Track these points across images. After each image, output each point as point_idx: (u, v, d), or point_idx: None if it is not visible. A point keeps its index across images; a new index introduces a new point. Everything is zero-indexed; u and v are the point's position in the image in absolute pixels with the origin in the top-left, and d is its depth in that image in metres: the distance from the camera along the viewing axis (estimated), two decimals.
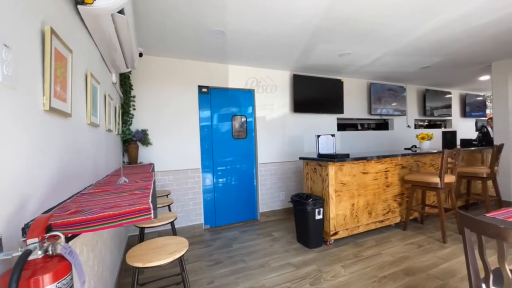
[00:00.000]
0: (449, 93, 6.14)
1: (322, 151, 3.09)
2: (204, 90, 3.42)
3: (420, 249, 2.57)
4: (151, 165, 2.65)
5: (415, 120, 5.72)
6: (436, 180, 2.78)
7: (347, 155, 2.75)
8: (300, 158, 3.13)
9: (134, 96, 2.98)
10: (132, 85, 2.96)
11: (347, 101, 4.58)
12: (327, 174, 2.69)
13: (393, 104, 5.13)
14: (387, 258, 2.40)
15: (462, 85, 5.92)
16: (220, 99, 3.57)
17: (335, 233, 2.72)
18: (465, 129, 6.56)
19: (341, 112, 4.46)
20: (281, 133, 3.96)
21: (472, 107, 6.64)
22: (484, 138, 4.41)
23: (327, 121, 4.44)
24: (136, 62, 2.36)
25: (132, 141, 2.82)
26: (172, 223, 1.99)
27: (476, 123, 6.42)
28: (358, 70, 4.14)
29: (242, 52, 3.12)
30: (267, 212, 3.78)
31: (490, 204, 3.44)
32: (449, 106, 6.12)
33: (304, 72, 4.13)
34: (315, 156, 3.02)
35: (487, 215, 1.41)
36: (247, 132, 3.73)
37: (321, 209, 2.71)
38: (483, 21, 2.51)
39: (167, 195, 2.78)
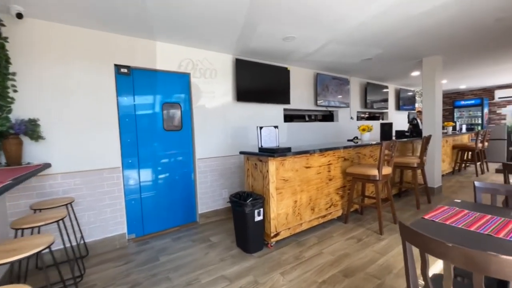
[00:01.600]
0: (386, 87, 6.55)
1: (265, 144, 2.81)
2: (124, 70, 2.77)
3: (359, 244, 2.52)
4: (40, 166, 1.98)
5: (357, 112, 5.94)
6: (375, 172, 2.76)
7: (288, 149, 2.51)
8: (241, 152, 2.80)
9: (14, 74, 2.19)
10: (9, 58, 2.16)
11: (294, 91, 4.41)
12: (267, 171, 2.41)
13: (338, 96, 5.18)
14: (328, 258, 2.27)
15: (397, 80, 6.36)
16: (147, 83, 2.96)
17: (277, 234, 2.49)
18: (399, 121, 7.16)
19: (288, 102, 4.27)
20: (223, 124, 3.55)
21: (404, 101, 7.26)
22: (415, 130, 4.76)
23: (274, 111, 4.20)
24: None
25: (10, 134, 2.07)
26: (49, 249, 1.43)
27: (408, 115, 7.04)
28: (304, 58, 3.96)
29: (173, 27, 2.58)
30: (208, 213, 3.39)
31: (419, 191, 3.68)
32: (386, 100, 6.54)
33: (248, 57, 3.76)
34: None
35: (426, 217, 1.27)
36: (183, 123, 3.22)
37: (262, 210, 2.43)
38: (419, 11, 2.48)
39: (67, 204, 2.14)
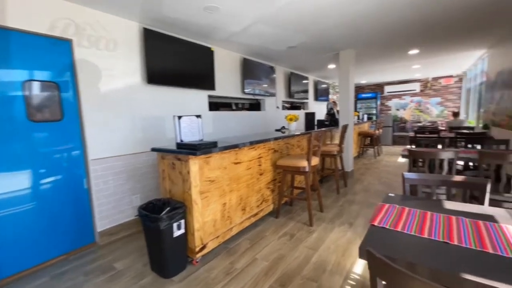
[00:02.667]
0: (307, 78, 6.90)
1: (185, 138, 2.28)
2: None
3: (292, 241, 2.39)
4: None
5: (283, 101, 6.01)
6: (304, 164, 2.67)
7: (214, 144, 2.07)
8: (153, 149, 2.18)
9: None
10: None
11: (220, 76, 3.94)
12: (188, 172, 1.92)
13: (265, 85, 5.03)
14: (262, 265, 2.01)
15: (316, 72, 6.76)
16: None
17: (203, 247, 2.07)
18: (317, 110, 7.75)
19: (213, 88, 3.77)
20: (129, 113, 2.77)
21: (321, 92, 7.89)
22: (332, 119, 5.12)
23: (197, 98, 3.63)
24: None
25: None
26: None
27: (327, 105, 7.59)
28: (229, 38, 3.52)
29: None
30: (112, 229, 2.62)
31: (339, 175, 3.95)
32: (306, 91, 6.90)
33: (163, 28, 3.04)
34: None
35: (374, 223, 1.10)
36: (64, 111, 2.29)
37: (183, 221, 1.94)
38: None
39: None
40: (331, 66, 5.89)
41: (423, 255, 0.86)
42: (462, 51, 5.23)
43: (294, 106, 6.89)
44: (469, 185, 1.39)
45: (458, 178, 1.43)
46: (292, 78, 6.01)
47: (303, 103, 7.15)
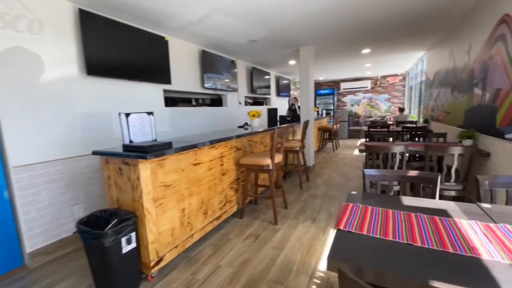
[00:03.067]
0: (269, 74, 6.88)
1: (135, 139, 2.01)
2: None
3: (257, 242, 2.31)
4: None
5: (245, 97, 5.89)
6: (268, 162, 2.61)
7: (169, 145, 1.86)
8: (94, 152, 1.86)
9: None
10: None
11: (176, 69, 3.64)
12: (138, 178, 1.68)
13: (226, 80, 4.84)
14: (227, 273, 1.90)
15: (278, 68, 6.78)
16: None
17: (160, 260, 1.86)
18: (279, 106, 7.83)
19: (168, 82, 3.46)
20: (66, 109, 2.36)
21: (282, 88, 7.98)
22: (294, 115, 5.19)
23: (150, 93, 3.29)
24: None
25: None
26: None
27: (288, 101, 7.70)
28: (186, 27, 3.24)
29: None
30: (48, 247, 2.22)
31: (301, 170, 4.00)
32: (268, 86, 6.89)
33: (106, 12, 2.64)
34: (124, 147, 1.88)
35: (340, 227, 1.05)
36: None
37: (134, 234, 1.71)
38: None
39: None
40: (292, 62, 5.95)
41: (390, 260, 0.83)
42: (406, 52, 5.73)
43: (256, 102, 6.83)
44: (423, 179, 1.46)
45: (413, 173, 1.49)
46: (254, 73, 5.92)
47: (265, 98, 7.14)
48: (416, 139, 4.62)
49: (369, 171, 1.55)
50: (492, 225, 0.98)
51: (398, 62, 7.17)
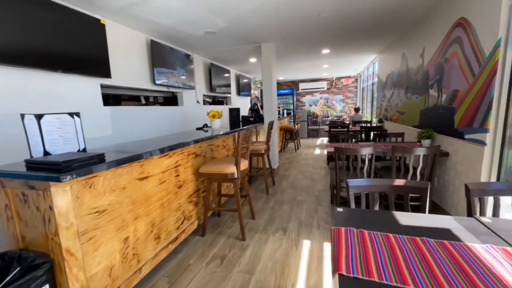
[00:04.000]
0: (229, 71, 6.51)
1: (54, 149, 1.47)
2: None
3: (224, 266, 1.96)
4: None
5: (204, 95, 5.43)
6: (233, 169, 2.27)
7: (99, 158, 1.38)
8: None
9: None
10: None
11: (118, 60, 3.03)
12: (51, 207, 1.18)
13: (182, 77, 4.33)
14: None
15: (238, 65, 6.46)
16: None
17: None
18: (240, 106, 7.53)
19: (107, 75, 2.85)
20: None
21: (243, 87, 7.69)
22: (257, 115, 4.93)
23: (83, 88, 2.65)
24: None
25: None
26: None
27: (251, 100, 7.45)
28: (127, 9, 2.69)
29: None
30: None
31: (267, 174, 3.76)
32: (229, 85, 6.53)
33: None
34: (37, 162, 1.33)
35: (343, 272, 0.78)
36: None
37: (47, 287, 1.20)
38: None
39: None
40: (253, 59, 5.70)
41: None
42: (360, 55, 5.98)
43: (216, 101, 6.41)
44: (411, 189, 1.31)
45: (399, 182, 1.33)
46: (213, 70, 5.49)
47: (226, 97, 6.76)
48: (371, 138, 4.79)
49: (353, 182, 1.35)
50: (509, 249, 0.83)
51: (351, 65, 7.52)
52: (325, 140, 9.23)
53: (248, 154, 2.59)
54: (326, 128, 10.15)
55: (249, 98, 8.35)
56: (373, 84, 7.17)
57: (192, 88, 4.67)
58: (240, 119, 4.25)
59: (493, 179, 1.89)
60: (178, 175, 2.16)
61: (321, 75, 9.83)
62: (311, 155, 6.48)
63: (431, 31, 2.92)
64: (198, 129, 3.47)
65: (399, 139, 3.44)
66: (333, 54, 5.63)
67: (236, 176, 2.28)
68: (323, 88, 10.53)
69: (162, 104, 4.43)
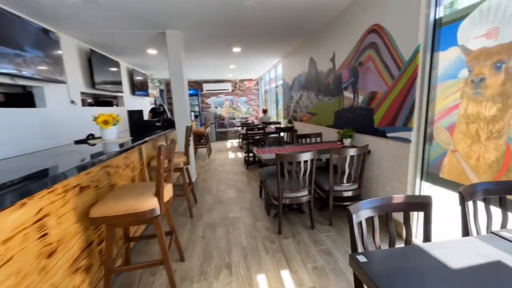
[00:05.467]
0: (118, 64, 5.10)
1: None
2: None
3: None
4: None
5: (83, 94, 3.93)
6: (153, 203, 1.49)
7: None
8: None
9: None
10: None
11: None
12: None
13: (41, 63, 2.86)
14: None
15: (131, 57, 5.16)
16: None
17: None
18: (137, 108, 6.14)
19: None
20: None
21: (139, 85, 6.32)
22: (164, 119, 4.02)
23: None
24: None
25: None
26: None
27: (155, 101, 6.06)
28: None
29: None
30: None
31: (189, 192, 3.02)
32: (119, 82, 5.11)
33: None
34: None
35: None
36: None
37: None
38: None
39: None
40: (152, 51, 4.66)
41: None
42: (265, 58, 6.11)
43: (102, 102, 4.86)
44: (413, 206, 1.09)
45: (399, 199, 1.08)
46: (95, 60, 4.06)
47: (116, 97, 5.28)
48: (289, 139, 4.90)
49: (358, 206, 0.99)
50: None
51: (255, 67, 7.68)
52: (235, 142, 9.09)
53: (171, 175, 1.84)
54: (234, 130, 10.13)
55: (146, 99, 6.99)
56: (276, 87, 7.58)
57: (62, 82, 3.21)
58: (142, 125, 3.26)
59: (418, 173, 2.08)
60: (45, 235, 1.18)
61: (225, 76, 9.62)
62: (226, 159, 6.07)
63: (343, 37, 3.12)
64: (79, 142, 2.31)
65: (318, 139, 3.56)
66: (243, 54, 5.44)
67: (158, 212, 1.52)
68: (228, 89, 10.39)
69: (3, 105, 2.77)
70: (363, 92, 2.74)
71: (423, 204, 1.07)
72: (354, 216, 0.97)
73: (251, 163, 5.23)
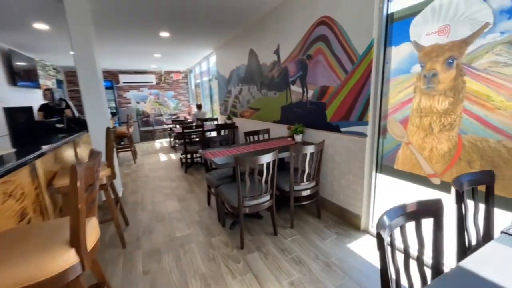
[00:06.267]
0: None
1: None
2: None
3: None
4: None
5: None
6: (68, 259, 0.92)
7: None
8: None
9: None
10: None
11: None
12: None
13: None
14: None
15: (8, 31, 3.68)
16: None
17: None
18: (18, 104, 4.51)
19: None
20: None
21: (22, 73, 4.66)
22: (70, 119, 3.01)
23: None
24: None
25: None
26: None
27: (51, 92, 4.47)
28: None
29: None
30: None
31: (116, 213, 2.30)
32: None
33: None
34: None
35: None
36: None
37: None
38: None
39: None
40: (42, 26, 3.44)
41: None
42: (196, 48, 5.55)
43: None
44: (424, 212, 0.96)
45: (412, 206, 0.94)
46: None
47: None
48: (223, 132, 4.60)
49: (383, 221, 0.78)
50: None
51: (184, 58, 6.95)
52: (164, 142, 8.10)
53: (96, 204, 1.23)
54: (162, 128, 9.00)
55: (37, 91, 5.27)
56: (210, 80, 7.06)
57: None
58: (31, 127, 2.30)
59: (374, 166, 2.13)
60: None
61: (148, 67, 8.38)
62: (157, 163, 5.25)
63: (287, 29, 2.98)
64: None
65: (266, 135, 3.39)
66: (173, 41, 4.72)
67: (79, 271, 0.95)
68: (151, 82, 9.13)
69: None
70: (313, 87, 2.68)
71: (433, 209, 0.96)
72: (384, 233, 0.76)
73: (189, 165, 4.66)
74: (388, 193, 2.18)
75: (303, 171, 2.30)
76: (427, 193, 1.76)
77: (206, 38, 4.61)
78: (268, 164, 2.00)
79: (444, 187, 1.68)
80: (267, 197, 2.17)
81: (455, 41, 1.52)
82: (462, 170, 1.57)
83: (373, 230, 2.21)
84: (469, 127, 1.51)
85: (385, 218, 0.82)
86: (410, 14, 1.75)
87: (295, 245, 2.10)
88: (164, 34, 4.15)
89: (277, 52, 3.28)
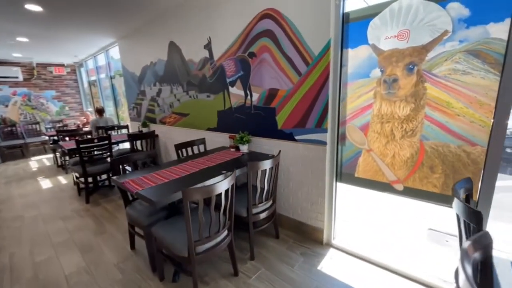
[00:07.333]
0: None
1: None
2: None
3: None
4: None
5: None
6: None
7: None
8: None
9: None
10: None
11: None
12: None
13: None
14: None
15: None
16: None
17: None
18: None
19: None
20: None
21: None
22: None
23: None
24: None
25: None
26: None
27: None
28: None
29: None
30: None
31: None
32: None
33: None
34: None
35: None
36: None
37: None
38: None
39: None
40: None
41: None
42: (88, 34, 4.29)
43: None
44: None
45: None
46: None
47: None
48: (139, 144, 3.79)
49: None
50: None
51: (70, 47, 5.31)
52: (45, 160, 6.00)
53: None
54: (40, 141, 6.62)
55: None
56: (112, 78, 5.65)
57: None
58: None
59: (334, 174, 2.00)
60: None
61: (8, 56, 5.96)
62: (37, 194, 3.70)
63: (221, 19, 2.52)
64: None
65: (201, 147, 2.84)
66: (48, 21, 3.36)
67: None
68: (17, 78, 6.58)
69: None
70: (258, 89, 2.35)
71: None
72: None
73: (92, 190, 3.47)
74: (346, 202, 2.12)
75: (262, 189, 1.93)
76: (389, 199, 1.74)
77: (102, 21, 3.53)
78: (226, 191, 1.52)
79: (407, 192, 1.69)
80: (225, 233, 1.68)
81: (415, 47, 1.50)
82: (424, 175, 1.60)
83: (336, 242, 2.10)
84: (431, 133, 1.54)
85: None
86: (367, 15, 1.66)
87: (264, 284, 1.71)
88: (33, 7, 2.85)
89: (208, 46, 2.77)
